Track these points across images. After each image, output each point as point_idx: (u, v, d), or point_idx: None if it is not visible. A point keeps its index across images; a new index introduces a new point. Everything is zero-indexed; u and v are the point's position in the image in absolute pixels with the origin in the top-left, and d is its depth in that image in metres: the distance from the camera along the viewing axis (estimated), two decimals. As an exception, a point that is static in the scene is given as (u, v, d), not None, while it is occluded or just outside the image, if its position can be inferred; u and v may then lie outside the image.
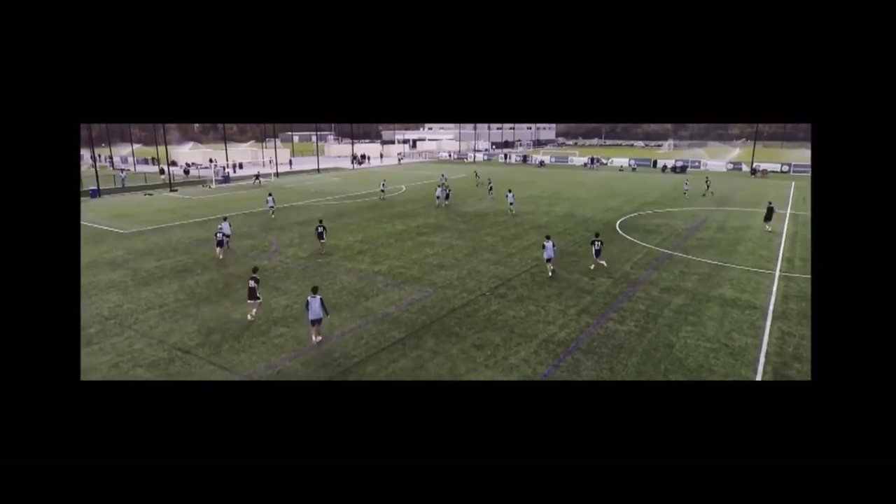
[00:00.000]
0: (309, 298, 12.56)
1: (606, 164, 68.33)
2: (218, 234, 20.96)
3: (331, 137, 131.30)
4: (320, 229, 21.87)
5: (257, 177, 49.24)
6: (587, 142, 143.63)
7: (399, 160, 78.21)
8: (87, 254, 21.68)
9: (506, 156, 79.30)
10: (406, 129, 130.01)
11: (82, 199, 39.29)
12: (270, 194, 32.05)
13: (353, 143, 77.04)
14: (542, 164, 69.39)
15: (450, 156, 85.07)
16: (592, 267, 18.82)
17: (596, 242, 18.83)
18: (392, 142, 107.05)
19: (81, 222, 29.17)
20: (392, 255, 21.10)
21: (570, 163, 71.69)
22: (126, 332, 13.48)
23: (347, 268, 19.22)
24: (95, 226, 28.14)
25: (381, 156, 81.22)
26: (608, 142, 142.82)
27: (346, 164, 68.92)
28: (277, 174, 55.42)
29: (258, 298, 14.29)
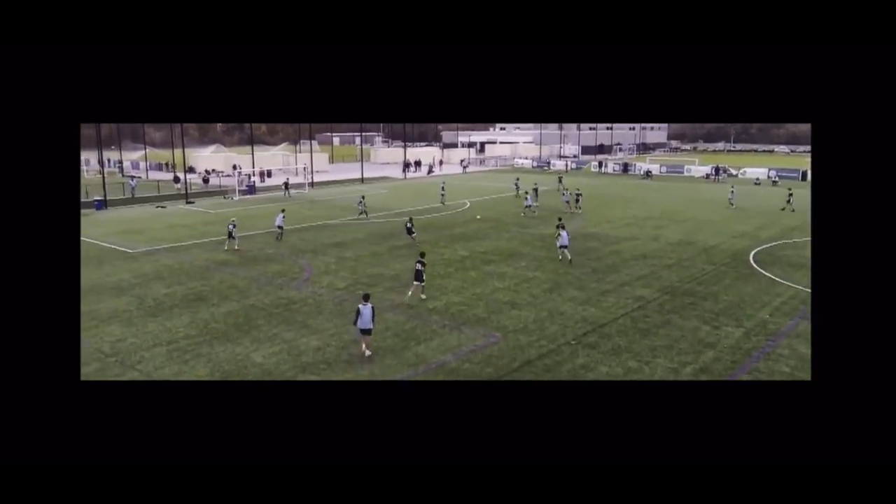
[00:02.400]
0: (360, 306, 14.79)
1: (737, 174, 66.24)
2: (230, 226, 26.89)
3: (378, 139, 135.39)
4: (409, 225, 28.35)
5: (286, 186, 51.40)
6: (710, 146, 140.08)
7: (463, 168, 79.25)
8: (88, 276, 23.26)
9: (601, 164, 78.58)
10: (472, 129, 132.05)
11: (86, 211, 42.43)
12: (283, 210, 32.54)
13: (405, 147, 79.08)
14: (648, 174, 68.24)
15: (532, 163, 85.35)
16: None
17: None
18: (454, 145, 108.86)
19: (84, 238, 31.46)
20: (451, 287, 21.27)
21: (686, 173, 70.07)
22: (128, 374, 14.28)
23: (394, 302, 19.54)
24: (99, 243, 30.25)
25: (441, 162, 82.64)
26: (738, 146, 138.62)
27: (396, 171, 70.60)
28: (312, 184, 57.58)
29: (423, 281, 19.71)
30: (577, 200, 39.35)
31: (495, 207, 41.66)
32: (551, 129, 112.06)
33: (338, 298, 19.96)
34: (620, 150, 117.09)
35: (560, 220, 26.20)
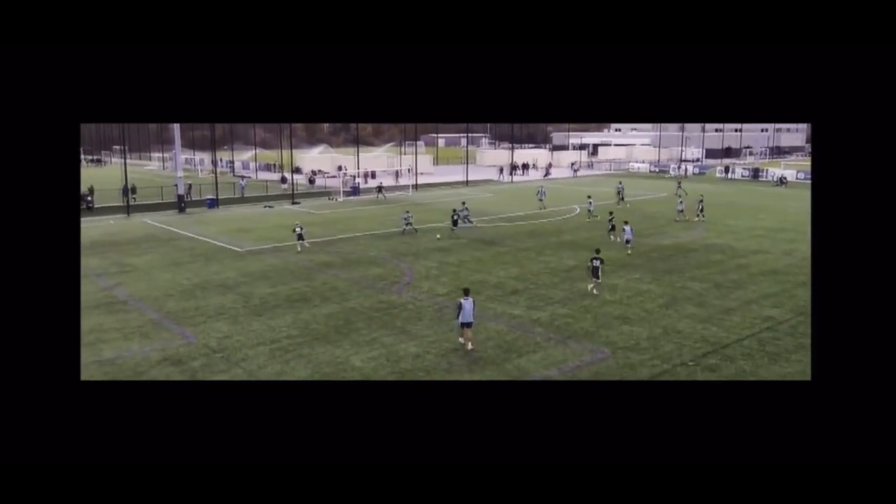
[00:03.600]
0: (461, 301, 15.86)
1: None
2: (297, 229, 29.63)
3: (484, 141, 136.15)
4: (456, 216, 31.40)
5: (379, 189, 52.76)
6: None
7: (574, 171, 78.13)
8: (197, 273, 24.97)
9: (727, 168, 74.90)
10: (584, 130, 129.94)
11: (198, 209, 45.50)
12: (408, 211, 34.73)
13: (512, 149, 78.98)
14: (782, 181, 64.23)
15: (648, 167, 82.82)
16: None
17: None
18: (564, 147, 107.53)
19: (195, 236, 33.76)
20: (556, 298, 20.98)
21: (827, 180, 65.13)
22: (233, 370, 15.13)
23: (496, 311, 19.52)
24: (209, 241, 32.32)
25: (550, 165, 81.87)
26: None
27: (505, 175, 70.64)
28: (416, 186, 58.74)
29: (599, 278, 21.32)
30: (700, 209, 37.67)
31: (606, 214, 40.69)
32: (671, 130, 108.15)
33: (438, 305, 20.18)
34: (750, 153, 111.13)
35: (611, 214, 30.74)
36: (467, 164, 69.28)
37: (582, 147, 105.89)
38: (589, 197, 41.28)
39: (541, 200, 43.69)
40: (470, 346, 15.98)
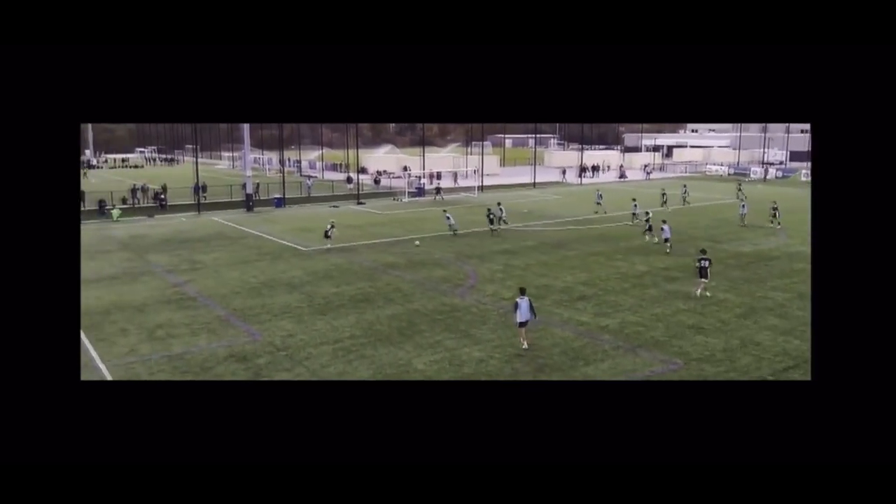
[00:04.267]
0: (518, 300, 16.44)
1: None
2: (329, 227, 30.61)
3: (553, 141, 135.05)
4: (490, 216, 33.08)
5: (438, 191, 53.33)
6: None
7: (647, 174, 76.59)
8: (264, 271, 25.74)
9: (813, 172, 71.70)
10: (658, 130, 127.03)
11: (266, 208, 46.87)
12: (445, 211, 35.44)
13: (581, 150, 78.04)
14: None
15: (727, 170, 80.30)
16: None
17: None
18: (637, 149, 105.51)
19: (262, 234, 34.79)
20: (626, 305, 20.62)
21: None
22: (296, 369, 15.53)
23: (563, 318, 19.34)
24: (276, 240, 33.26)
25: (622, 167, 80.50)
26: None
27: (570, 176, 69.89)
28: (482, 187, 58.80)
29: (707, 278, 21.45)
30: (775, 215, 36.20)
31: (682, 218, 39.68)
32: (753, 130, 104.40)
33: (503, 308, 20.12)
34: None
35: (635, 204, 33.64)
36: (535, 165, 68.84)
37: (655, 149, 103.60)
38: (634, 200, 40.42)
39: (599, 204, 43.17)
40: (525, 344, 16.41)
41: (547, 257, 28.14)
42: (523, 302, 16.34)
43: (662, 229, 29.51)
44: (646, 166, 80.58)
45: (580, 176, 69.64)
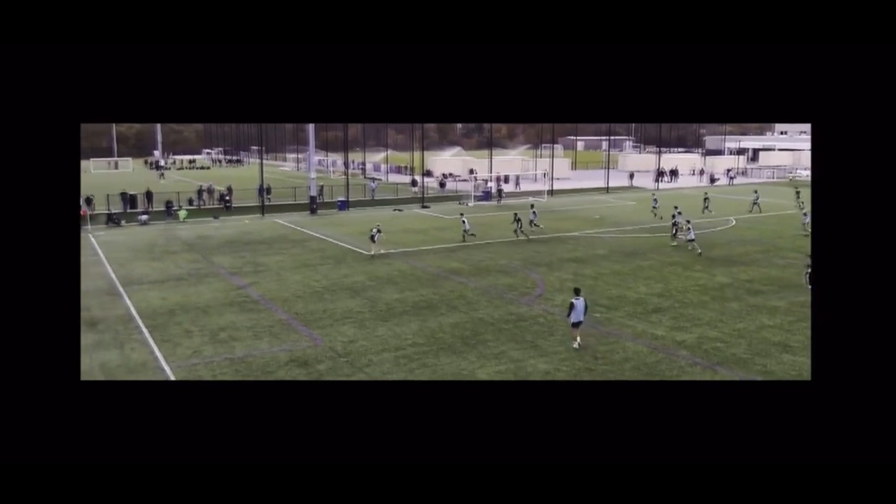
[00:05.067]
0: (573, 300, 17.23)
1: None
2: (373, 231, 30.63)
3: (628, 144, 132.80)
4: (517, 222, 34.06)
5: (499, 193, 53.33)
6: None
7: (730, 179, 74.39)
8: (326, 275, 26.23)
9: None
10: (743, 132, 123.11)
11: (329, 210, 47.82)
12: (462, 214, 35.93)
13: (659, 153, 76.43)
14: None
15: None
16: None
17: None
18: (719, 151, 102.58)
19: (325, 238, 35.50)
20: (705, 319, 20.05)
21: None
22: (357, 376, 15.75)
23: (636, 330, 18.97)
24: (339, 243, 33.87)
25: (702, 172, 78.47)
26: None
27: (646, 180, 68.61)
28: (552, 191, 58.35)
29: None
30: None
31: (766, 226, 38.33)
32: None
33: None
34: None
35: (678, 211, 33.31)
36: (607, 168, 67.86)
37: (740, 152, 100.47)
38: (676, 208, 39.16)
39: (654, 208, 42.34)
40: (577, 344, 17.26)
41: (620, 266, 27.65)
42: (578, 302, 17.11)
43: (688, 230, 30.66)
44: (729, 171, 78.22)
45: (657, 180, 68.19)
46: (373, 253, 30.19)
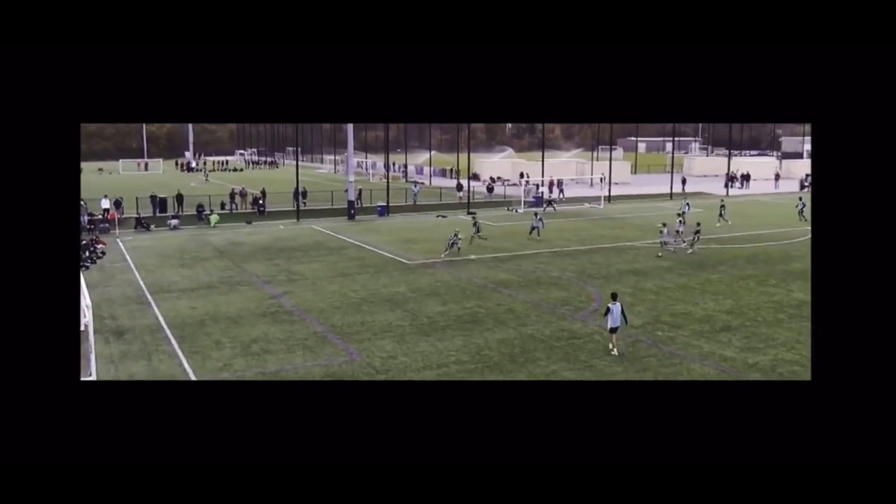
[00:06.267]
0: (610, 305, 17.95)
1: None
2: (451, 237, 32.59)
3: (695, 146, 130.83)
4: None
5: (550, 202, 52.23)
6: None
7: (802, 184, 72.68)
8: (365, 285, 26.24)
9: None
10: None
11: (369, 216, 48.16)
12: (474, 215, 36.52)
13: (729, 156, 75.05)
14: None
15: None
16: None
17: None
18: (798, 154, 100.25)
19: (364, 245, 35.72)
20: (780, 339, 19.47)
21: None
22: (396, 394, 15.75)
23: (703, 351, 18.51)
24: (378, 251, 33.96)
25: (778, 176, 76.82)
26: None
27: (715, 186, 67.42)
28: (609, 198, 57.74)
29: None
30: None
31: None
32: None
33: (631, 337, 19.44)
34: None
35: (698, 225, 33.90)
36: (672, 173, 66.83)
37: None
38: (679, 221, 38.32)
39: (682, 213, 41.12)
40: (615, 351, 18.01)
41: (685, 280, 27.09)
42: (615, 307, 17.80)
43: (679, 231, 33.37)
44: (806, 176, 76.41)
45: (727, 186, 66.94)
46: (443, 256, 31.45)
